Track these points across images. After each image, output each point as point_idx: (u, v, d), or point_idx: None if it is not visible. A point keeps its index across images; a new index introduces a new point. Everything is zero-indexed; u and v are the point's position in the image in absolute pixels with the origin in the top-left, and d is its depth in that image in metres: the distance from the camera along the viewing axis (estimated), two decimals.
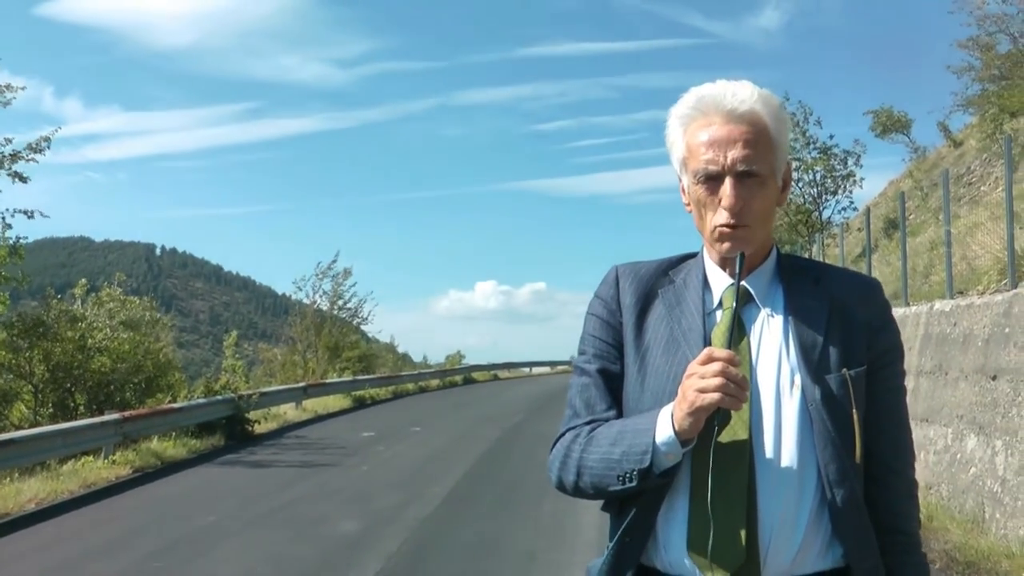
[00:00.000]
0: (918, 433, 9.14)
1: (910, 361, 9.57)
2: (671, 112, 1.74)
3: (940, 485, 8.52)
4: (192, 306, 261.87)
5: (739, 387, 1.52)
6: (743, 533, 1.57)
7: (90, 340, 17.91)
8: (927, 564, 1.74)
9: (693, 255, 1.82)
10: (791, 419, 1.62)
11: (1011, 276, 8.36)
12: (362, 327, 36.80)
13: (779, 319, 1.69)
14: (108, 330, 18.51)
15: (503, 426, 18.37)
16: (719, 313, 1.71)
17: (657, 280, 1.79)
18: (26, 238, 16.48)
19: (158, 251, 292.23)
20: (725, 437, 1.59)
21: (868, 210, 19.01)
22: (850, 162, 28.50)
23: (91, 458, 12.98)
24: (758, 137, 1.64)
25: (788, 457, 1.60)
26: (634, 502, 1.66)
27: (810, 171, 28.38)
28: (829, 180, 28.63)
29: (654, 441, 1.58)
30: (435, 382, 36.42)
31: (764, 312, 1.70)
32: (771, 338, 1.68)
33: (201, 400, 17.23)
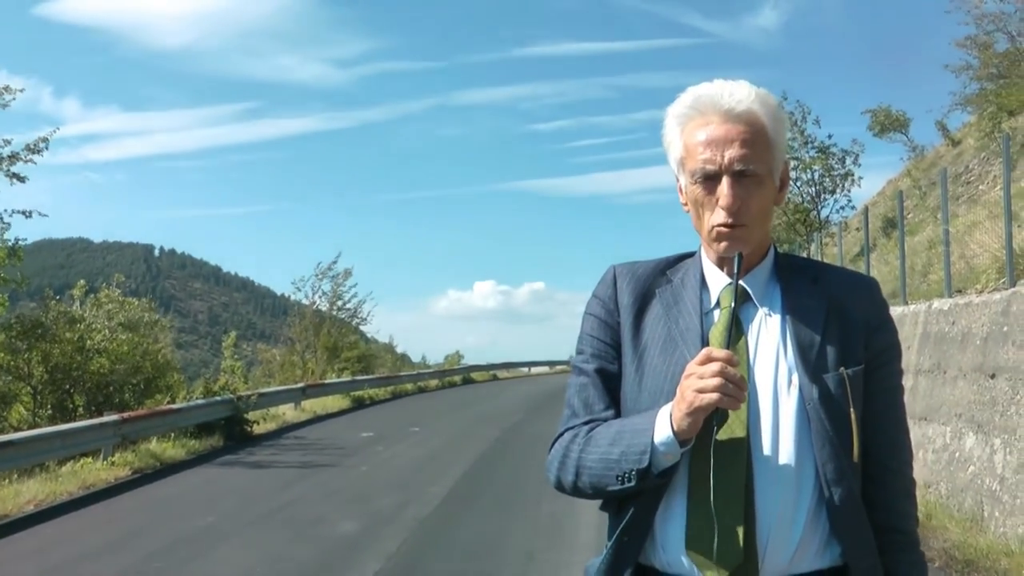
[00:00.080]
0: (917, 432, 9.14)
1: (909, 360, 9.57)
2: (668, 112, 1.74)
3: (939, 483, 8.53)
4: (191, 307, 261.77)
5: (737, 387, 1.52)
6: (741, 532, 1.57)
7: (89, 341, 17.91)
8: (925, 563, 1.75)
9: (691, 254, 1.82)
10: (789, 418, 1.62)
11: (1009, 274, 8.37)
12: (361, 327, 36.86)
13: (777, 318, 1.69)
14: (107, 331, 18.49)
15: (502, 426, 18.37)
16: (717, 312, 1.71)
17: (655, 280, 1.79)
18: (25, 239, 16.50)
19: (157, 252, 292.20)
20: (723, 436, 1.59)
21: (866, 209, 19.02)
22: (848, 161, 28.55)
23: (90, 459, 12.97)
24: (755, 137, 1.65)
25: (786, 456, 1.60)
26: (632, 501, 1.66)
27: (808, 170, 28.41)
28: (827, 179, 28.65)
29: (652, 441, 1.58)
30: (434, 382, 36.41)
31: (762, 311, 1.71)
32: (769, 337, 1.68)
33: (200, 401, 17.22)
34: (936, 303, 9.60)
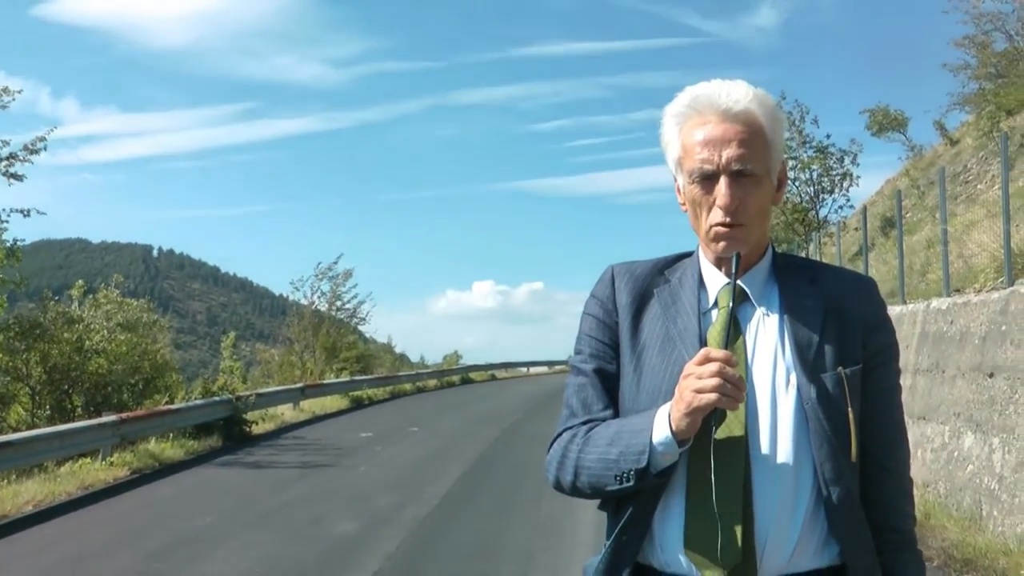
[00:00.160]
0: (915, 431, 9.15)
1: (907, 359, 9.58)
2: (666, 111, 1.74)
3: (937, 483, 8.53)
4: (189, 307, 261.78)
5: (736, 387, 1.52)
6: (739, 531, 1.57)
7: (87, 342, 17.90)
8: (923, 562, 1.75)
9: (688, 254, 1.82)
10: (787, 418, 1.62)
11: (1008, 274, 8.38)
12: (360, 327, 36.87)
13: (775, 318, 1.70)
14: (105, 332, 18.48)
15: (501, 426, 18.38)
16: (715, 312, 1.72)
17: (653, 279, 1.79)
18: (23, 240, 16.50)
19: (155, 252, 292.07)
20: (721, 436, 1.60)
21: (865, 209, 19.04)
22: (847, 161, 28.57)
23: (89, 460, 12.96)
24: (753, 136, 1.65)
25: (784, 456, 1.61)
26: (631, 501, 1.66)
27: (807, 170, 28.44)
28: (826, 179, 28.68)
29: (651, 441, 1.59)
30: (433, 382, 36.39)
31: (760, 311, 1.71)
32: (767, 337, 1.68)
33: (199, 401, 17.20)
34: (934, 302, 9.61)
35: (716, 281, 1.73)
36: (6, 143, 15.61)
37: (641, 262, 1.84)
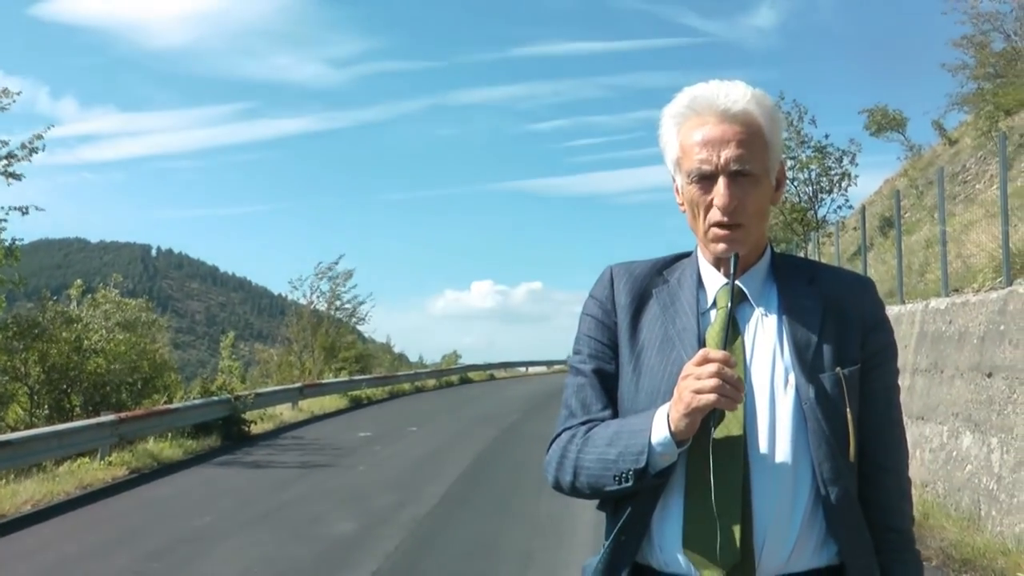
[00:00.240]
0: (914, 431, 9.15)
1: (906, 359, 9.58)
2: (665, 112, 1.74)
3: (936, 483, 8.53)
4: (188, 307, 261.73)
5: (735, 388, 1.52)
6: (738, 531, 1.57)
7: (86, 341, 17.88)
8: (920, 561, 1.76)
9: (687, 254, 1.82)
10: (785, 418, 1.62)
11: (1006, 273, 8.38)
12: (359, 327, 36.84)
13: (773, 318, 1.70)
14: (104, 331, 18.47)
15: (500, 426, 18.37)
16: (713, 313, 1.72)
17: (651, 280, 1.79)
18: (22, 239, 16.47)
19: (154, 252, 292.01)
20: (720, 436, 1.60)
21: (863, 208, 19.08)
22: (845, 161, 28.59)
23: (87, 459, 12.95)
24: (752, 137, 1.65)
25: (783, 455, 1.61)
26: (630, 501, 1.66)
27: (805, 169, 28.46)
28: (824, 179, 28.70)
29: (650, 442, 1.59)
30: (431, 382, 36.36)
31: (758, 311, 1.71)
32: (765, 337, 1.68)
33: (197, 401, 17.20)
34: (933, 302, 9.61)
35: (715, 281, 1.74)
36: (5, 143, 15.59)
37: (640, 262, 1.84)
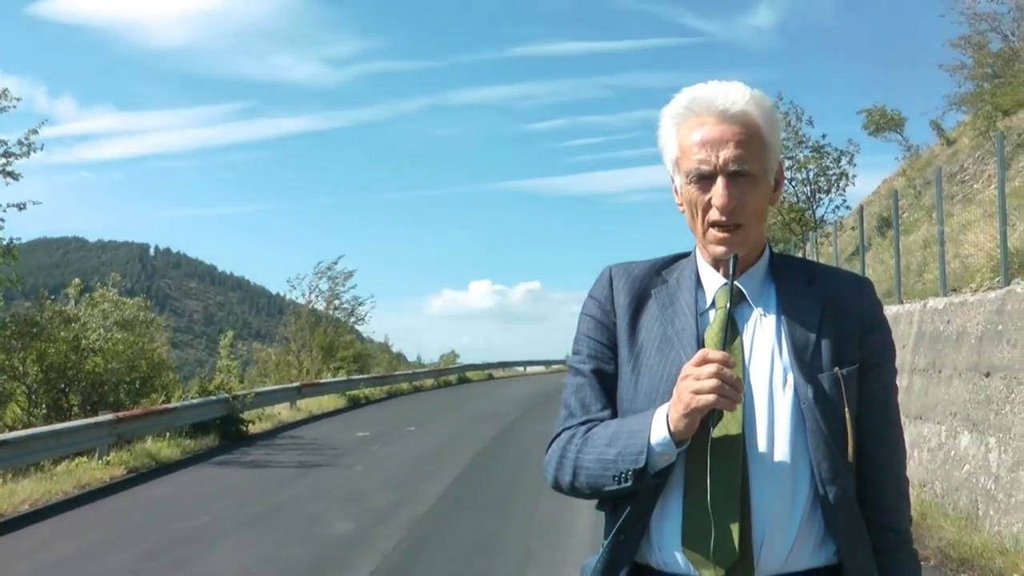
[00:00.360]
0: (912, 431, 9.16)
1: (904, 359, 9.59)
2: (663, 112, 1.75)
3: (934, 482, 8.54)
4: (186, 306, 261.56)
5: (734, 388, 1.53)
6: (737, 530, 1.58)
7: (84, 341, 17.86)
8: (918, 561, 1.76)
9: (686, 255, 1.83)
10: (784, 418, 1.63)
11: (1004, 273, 8.39)
12: (357, 327, 36.83)
13: (772, 318, 1.70)
14: (102, 330, 18.45)
15: (498, 425, 18.38)
16: (712, 313, 1.72)
17: (650, 280, 1.79)
18: (19, 239, 16.46)
19: (152, 251, 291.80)
20: (719, 435, 1.60)
21: (861, 208, 19.10)
22: (843, 161, 28.59)
23: (85, 459, 12.95)
24: (750, 137, 1.65)
25: (781, 455, 1.61)
26: (629, 500, 1.67)
27: (803, 169, 28.46)
28: (822, 179, 28.70)
29: (649, 442, 1.59)
30: (429, 382, 36.35)
31: (757, 312, 1.71)
32: (764, 338, 1.69)
33: (195, 400, 17.20)
34: (931, 302, 9.62)
35: (713, 282, 1.74)
36: (3, 143, 15.57)
37: (639, 263, 1.84)
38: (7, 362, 17.14)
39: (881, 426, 1.72)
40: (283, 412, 21.95)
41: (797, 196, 28.84)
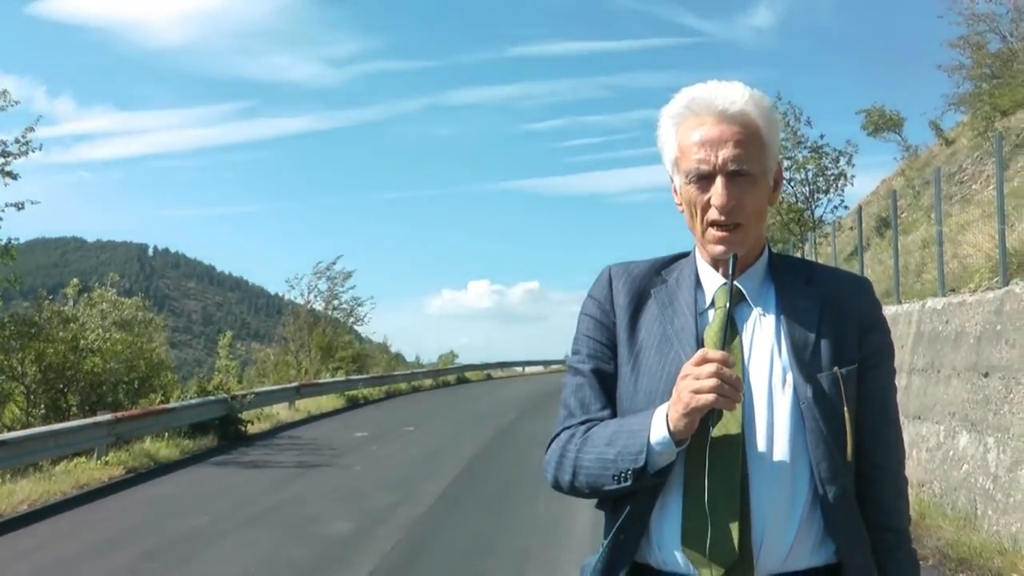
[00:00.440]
0: (910, 430, 9.16)
1: (902, 359, 9.59)
2: (663, 112, 1.75)
3: (933, 482, 8.55)
4: (185, 306, 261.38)
5: (733, 388, 1.53)
6: (736, 529, 1.58)
7: (82, 341, 17.86)
8: (917, 560, 1.76)
9: (685, 255, 1.83)
10: (783, 417, 1.63)
11: (1002, 273, 8.39)
12: (356, 328, 36.80)
13: (771, 318, 1.71)
14: (100, 331, 18.44)
15: (497, 425, 18.38)
16: (711, 312, 1.72)
17: (650, 280, 1.80)
18: (17, 239, 16.44)
19: (151, 251, 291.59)
20: (718, 435, 1.60)
21: (860, 209, 19.11)
22: (842, 162, 28.60)
23: (84, 459, 12.94)
24: (749, 137, 1.66)
25: (781, 454, 1.61)
26: (628, 500, 1.67)
27: (802, 170, 28.48)
28: (821, 179, 28.71)
29: (649, 441, 1.59)
30: (428, 382, 36.35)
31: (756, 311, 1.72)
32: (763, 337, 1.69)
33: (194, 400, 17.19)
34: (930, 302, 9.62)
35: (713, 281, 1.74)
36: (2, 143, 15.56)
37: (638, 262, 1.85)
38: (5, 362, 17.12)
39: (880, 426, 1.73)
40: (282, 412, 21.95)
41: (796, 196, 28.86)
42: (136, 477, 12.62)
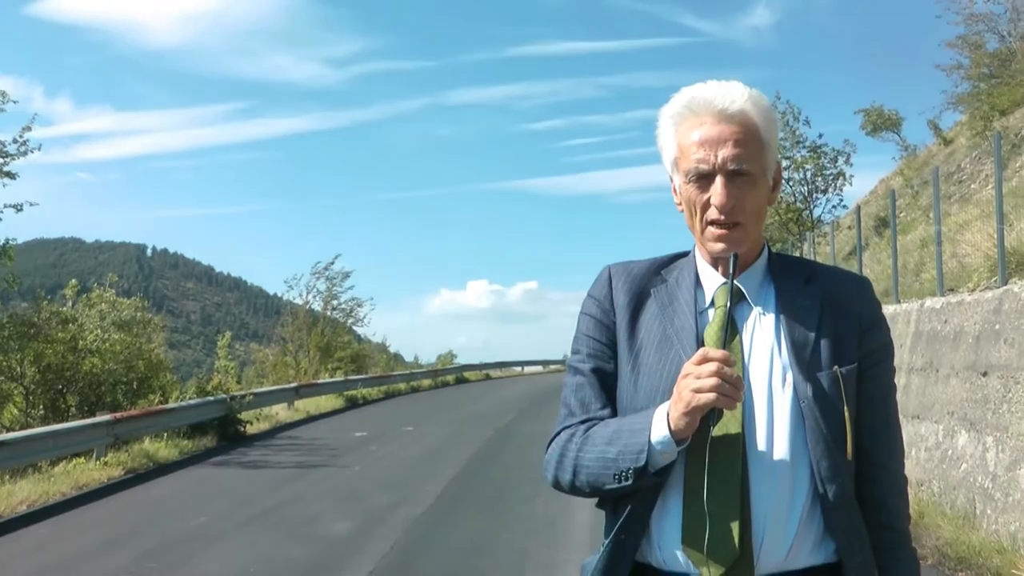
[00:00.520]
0: (909, 430, 9.17)
1: (901, 358, 9.60)
2: (662, 112, 1.75)
3: (931, 481, 8.55)
4: (183, 307, 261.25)
5: (734, 387, 1.53)
6: (736, 528, 1.58)
7: (81, 342, 17.85)
8: (917, 559, 1.76)
9: (685, 254, 1.83)
10: (783, 416, 1.63)
11: (1001, 273, 8.40)
12: (355, 328, 36.77)
13: (771, 317, 1.71)
14: (99, 331, 18.44)
15: (495, 425, 18.38)
16: (711, 312, 1.73)
17: (650, 279, 1.80)
18: (15, 239, 16.43)
19: (149, 252, 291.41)
20: (719, 434, 1.61)
21: (858, 208, 19.11)
22: (840, 161, 28.61)
23: (83, 459, 12.94)
24: (748, 137, 1.66)
25: (781, 453, 1.62)
26: (629, 499, 1.67)
27: (800, 169, 28.48)
28: (819, 179, 28.71)
29: (649, 440, 1.60)
30: (427, 382, 36.36)
31: (756, 311, 1.72)
32: (763, 336, 1.69)
33: (193, 401, 17.19)
34: (928, 302, 9.63)
35: (713, 281, 1.75)
36: (1, 143, 15.55)
37: (638, 262, 1.85)
38: (4, 363, 17.11)
39: (880, 425, 1.73)
40: (281, 412, 21.95)
41: (794, 196, 28.85)
42: (135, 478, 12.62)
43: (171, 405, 16.64)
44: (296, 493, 10.93)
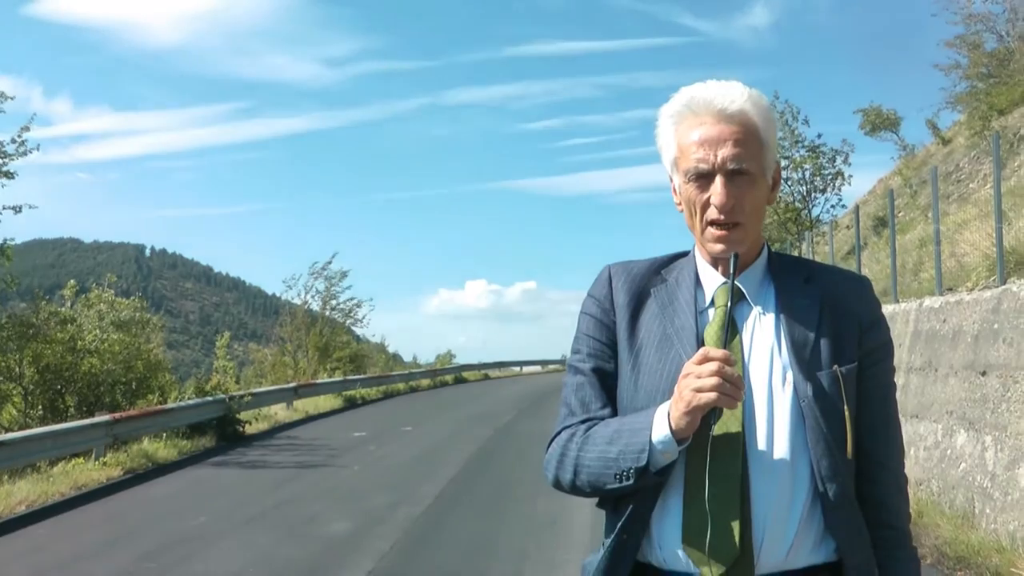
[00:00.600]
0: (908, 429, 9.18)
1: (900, 357, 9.60)
2: (662, 112, 1.75)
3: (931, 481, 8.56)
4: (182, 307, 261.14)
5: (735, 386, 1.53)
6: (737, 527, 1.58)
7: (80, 342, 17.84)
8: (917, 558, 1.76)
9: (685, 254, 1.83)
10: (783, 416, 1.63)
11: (1000, 272, 8.40)
12: (354, 328, 36.74)
13: (771, 317, 1.71)
14: (98, 331, 18.43)
15: (494, 425, 18.38)
16: (711, 311, 1.73)
17: (650, 279, 1.80)
18: (13, 239, 16.42)
19: (147, 252, 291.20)
20: (719, 433, 1.61)
21: (857, 208, 19.10)
22: (839, 161, 28.60)
23: (82, 460, 12.94)
24: (748, 136, 1.66)
25: (781, 452, 1.62)
26: (630, 499, 1.67)
27: (799, 169, 28.47)
28: (818, 178, 28.70)
29: (650, 440, 1.60)
30: (426, 382, 36.36)
31: (756, 310, 1.72)
32: (763, 336, 1.70)
33: (192, 401, 17.18)
34: (927, 301, 9.64)
35: (713, 280, 1.75)
36: (1, 143, 15.53)
37: (638, 262, 1.85)
38: (3, 363, 17.10)
39: (880, 424, 1.73)
40: (280, 412, 21.94)
41: (793, 195, 28.83)
42: (134, 478, 12.62)
43: (170, 405, 16.63)
44: (295, 493, 10.93)
